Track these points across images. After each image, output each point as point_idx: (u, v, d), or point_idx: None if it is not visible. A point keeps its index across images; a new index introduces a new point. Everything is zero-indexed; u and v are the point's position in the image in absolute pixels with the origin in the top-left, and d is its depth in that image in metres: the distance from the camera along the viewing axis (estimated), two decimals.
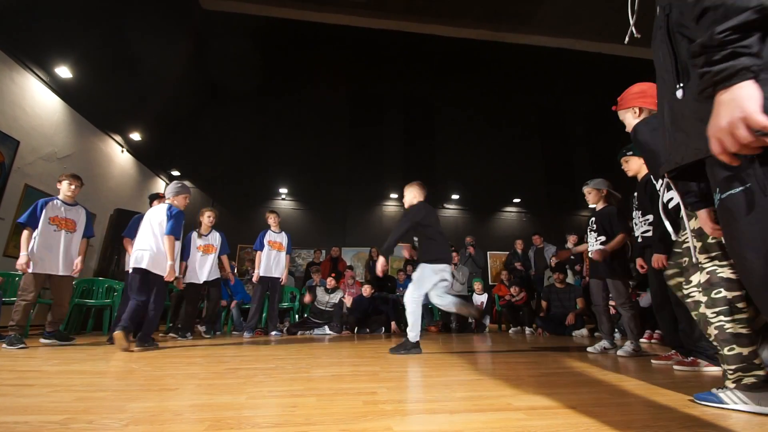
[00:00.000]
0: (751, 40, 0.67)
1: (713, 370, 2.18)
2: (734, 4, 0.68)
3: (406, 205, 3.33)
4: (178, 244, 3.40)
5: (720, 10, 0.69)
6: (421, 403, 1.40)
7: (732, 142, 0.69)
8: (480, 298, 5.89)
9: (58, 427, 1.09)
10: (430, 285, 3.00)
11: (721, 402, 1.34)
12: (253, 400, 1.42)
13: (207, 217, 4.61)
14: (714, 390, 1.42)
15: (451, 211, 10.20)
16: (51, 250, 3.37)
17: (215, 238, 4.63)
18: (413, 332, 2.92)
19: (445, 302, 3.06)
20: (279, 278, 4.77)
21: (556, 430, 1.08)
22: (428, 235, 3.03)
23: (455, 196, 10.10)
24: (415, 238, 3.20)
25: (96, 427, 1.10)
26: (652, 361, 2.50)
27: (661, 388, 1.66)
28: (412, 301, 2.97)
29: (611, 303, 3.44)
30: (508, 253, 7.72)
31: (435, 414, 1.24)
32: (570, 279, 5.71)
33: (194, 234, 4.55)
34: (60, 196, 3.53)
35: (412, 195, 3.30)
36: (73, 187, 3.55)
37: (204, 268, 4.45)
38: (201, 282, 4.42)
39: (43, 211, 3.36)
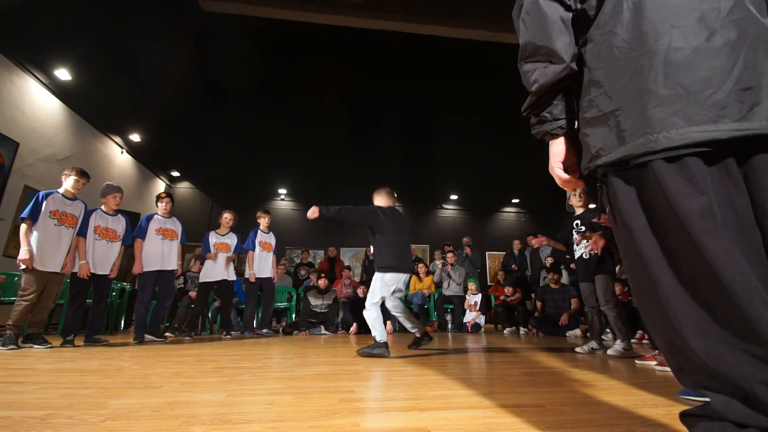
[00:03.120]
0: (548, 110, 0.85)
1: None
2: (527, 85, 0.86)
3: None
4: (83, 241, 3.50)
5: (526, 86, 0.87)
6: (394, 401, 1.43)
7: (557, 180, 0.91)
8: (474, 298, 5.92)
9: (38, 422, 1.13)
10: (380, 296, 2.88)
11: (704, 395, 1.37)
12: (231, 397, 1.46)
13: (225, 219, 4.68)
14: None
15: (449, 211, 10.23)
16: (52, 246, 3.24)
17: (232, 238, 4.69)
18: (376, 332, 2.82)
19: (397, 311, 3.00)
20: (269, 278, 4.83)
21: (518, 428, 1.11)
22: (383, 242, 2.91)
23: (454, 197, 10.12)
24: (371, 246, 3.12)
25: (75, 422, 1.14)
26: (636, 361, 2.52)
27: (635, 388, 1.69)
28: (369, 311, 2.88)
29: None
30: (505, 253, 7.74)
31: (405, 411, 1.27)
32: (565, 279, 5.73)
33: (212, 234, 4.62)
34: (61, 190, 3.40)
35: (378, 201, 3.18)
36: (80, 184, 3.47)
37: (217, 267, 4.50)
38: (214, 281, 4.49)
39: (44, 204, 3.23)
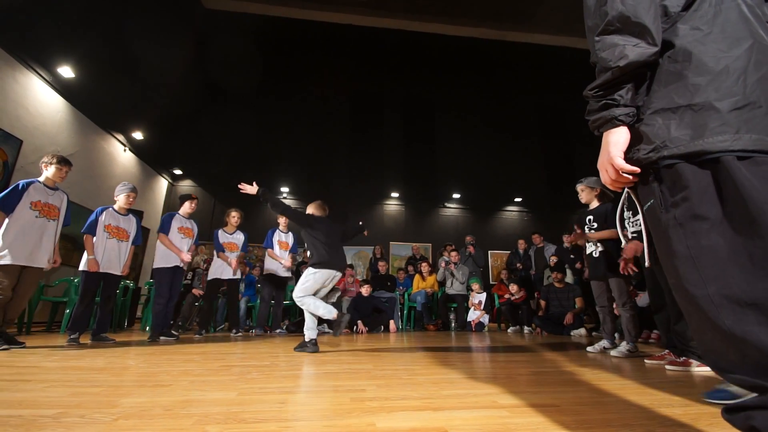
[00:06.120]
0: (620, 93, 0.79)
1: (705, 369, 2.18)
2: (601, 65, 0.80)
3: None
4: (90, 238, 3.49)
5: (597, 67, 0.82)
6: (407, 400, 1.41)
7: (606, 176, 0.85)
8: (479, 297, 5.90)
9: (50, 421, 1.12)
10: (312, 289, 3.07)
11: (734, 396, 1.33)
12: (243, 396, 1.45)
13: (233, 217, 4.70)
14: (721, 386, 1.42)
15: (452, 210, 10.21)
16: (28, 238, 2.98)
17: (239, 237, 4.70)
18: (321, 310, 2.97)
19: (306, 306, 3.05)
20: (284, 278, 4.85)
21: (535, 428, 1.10)
22: (316, 242, 3.16)
23: (456, 195, 10.11)
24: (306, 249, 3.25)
25: (87, 421, 1.13)
26: (645, 361, 2.51)
27: (648, 388, 1.67)
28: (304, 299, 3.03)
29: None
30: (509, 252, 7.73)
31: (420, 411, 1.26)
32: (569, 278, 5.71)
33: (220, 232, 4.62)
34: (41, 179, 3.16)
35: (311, 210, 3.46)
36: (63, 172, 3.23)
37: (227, 266, 4.51)
38: (223, 278, 4.49)
39: (25, 194, 2.99)
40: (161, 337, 3.81)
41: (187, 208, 4.22)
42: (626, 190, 0.92)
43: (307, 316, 3.05)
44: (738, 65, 0.72)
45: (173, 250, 3.93)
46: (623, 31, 0.77)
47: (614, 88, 0.79)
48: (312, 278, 3.07)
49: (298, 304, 3.05)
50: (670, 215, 0.75)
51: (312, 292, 3.07)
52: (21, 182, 3.05)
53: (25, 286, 3.05)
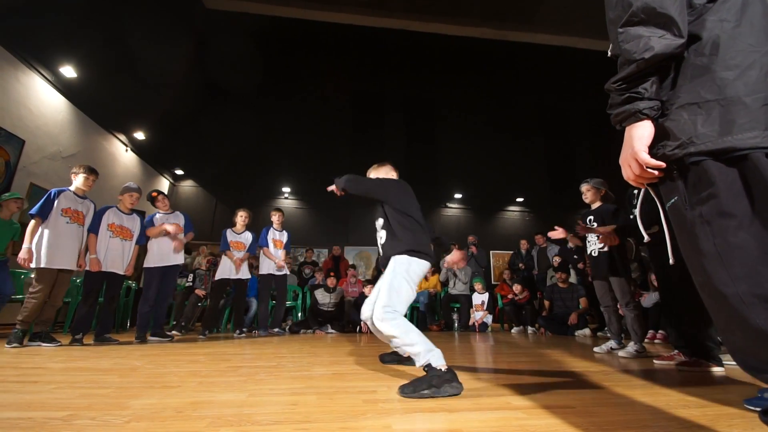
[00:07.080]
0: (644, 86, 0.77)
1: (716, 370, 2.17)
2: (624, 57, 0.78)
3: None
4: (93, 237, 3.49)
5: (619, 60, 0.80)
6: (420, 401, 1.40)
7: (629, 172, 0.82)
8: (481, 298, 5.89)
9: (61, 423, 1.11)
10: (407, 297, 1.77)
11: None
12: (253, 397, 1.43)
13: (240, 217, 4.69)
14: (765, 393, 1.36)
15: (453, 210, 10.19)
16: (62, 243, 3.21)
17: (247, 237, 4.68)
18: (419, 347, 1.63)
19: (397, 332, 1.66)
20: (284, 276, 4.82)
21: (554, 429, 1.09)
22: (406, 220, 1.96)
23: (458, 195, 10.09)
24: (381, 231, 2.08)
25: (98, 423, 1.12)
26: (655, 361, 2.49)
27: (661, 388, 1.66)
28: (395, 322, 1.67)
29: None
30: (511, 252, 7.71)
31: (434, 413, 1.25)
32: (573, 278, 5.70)
33: (228, 231, 4.62)
34: (72, 188, 3.39)
35: (384, 173, 2.46)
36: (90, 181, 3.46)
37: (234, 265, 4.49)
38: (231, 278, 4.46)
39: (56, 202, 3.22)
40: (152, 337, 3.76)
41: (160, 206, 4.13)
42: (643, 187, 0.90)
43: (405, 333, 1.66)
44: (766, 60, 0.71)
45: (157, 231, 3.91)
46: (648, 23, 0.75)
47: (638, 81, 0.77)
48: (406, 276, 1.78)
49: (380, 326, 1.68)
50: (695, 213, 0.73)
51: (409, 303, 1.79)
52: (53, 191, 3.28)
53: (58, 288, 3.25)
